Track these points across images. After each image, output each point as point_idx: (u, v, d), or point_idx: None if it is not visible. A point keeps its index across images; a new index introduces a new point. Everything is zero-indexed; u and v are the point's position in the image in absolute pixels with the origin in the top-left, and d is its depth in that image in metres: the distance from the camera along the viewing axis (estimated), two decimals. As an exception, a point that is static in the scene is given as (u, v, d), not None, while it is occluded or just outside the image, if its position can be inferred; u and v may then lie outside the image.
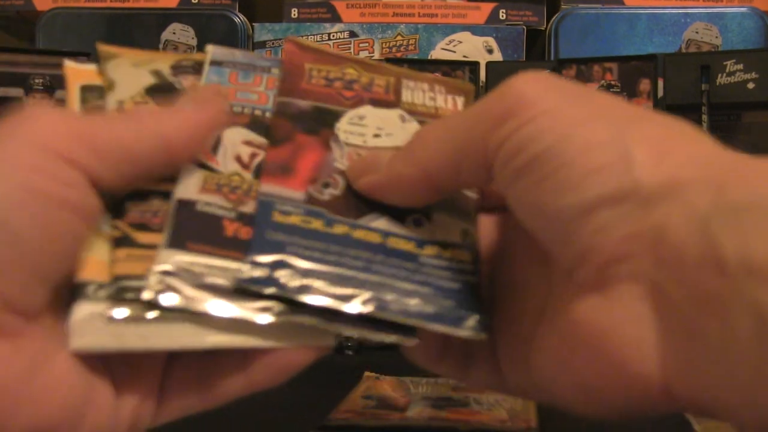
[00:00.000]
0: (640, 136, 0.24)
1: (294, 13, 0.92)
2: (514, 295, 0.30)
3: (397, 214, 0.30)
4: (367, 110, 0.32)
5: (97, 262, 0.27)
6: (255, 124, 0.31)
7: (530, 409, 0.46)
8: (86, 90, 0.32)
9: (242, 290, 0.27)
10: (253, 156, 0.31)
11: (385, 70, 0.34)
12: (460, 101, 0.34)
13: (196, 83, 0.32)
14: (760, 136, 0.75)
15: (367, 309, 0.27)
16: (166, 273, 0.27)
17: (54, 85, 0.76)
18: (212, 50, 0.33)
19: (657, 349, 0.23)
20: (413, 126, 0.32)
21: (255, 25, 0.90)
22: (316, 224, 0.29)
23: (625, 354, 0.24)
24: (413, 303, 0.28)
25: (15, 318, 0.24)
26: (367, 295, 0.28)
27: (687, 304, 0.22)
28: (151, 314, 0.26)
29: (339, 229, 0.29)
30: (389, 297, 0.28)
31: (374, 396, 0.45)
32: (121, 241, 0.28)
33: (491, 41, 0.91)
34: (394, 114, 0.33)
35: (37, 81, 0.76)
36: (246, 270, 0.27)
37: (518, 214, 0.27)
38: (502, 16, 0.92)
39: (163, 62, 0.33)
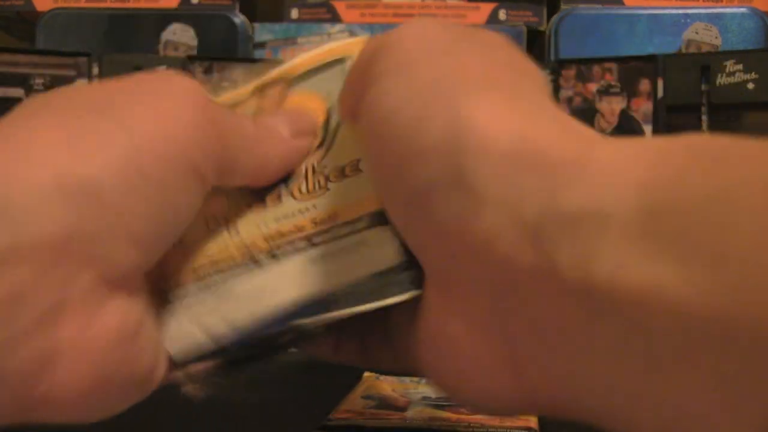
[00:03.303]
0: (477, 111, 0.21)
1: (294, 13, 0.92)
2: None
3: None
4: None
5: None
6: None
7: (530, 409, 0.46)
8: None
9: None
10: None
11: None
12: None
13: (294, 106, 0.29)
14: (760, 137, 0.75)
15: None
16: None
17: (54, 86, 0.76)
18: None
19: (502, 356, 0.21)
20: None
21: (255, 25, 0.90)
22: None
23: (470, 363, 0.22)
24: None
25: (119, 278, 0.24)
26: None
27: (526, 313, 0.20)
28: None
29: None
30: None
31: (374, 396, 0.44)
32: None
33: (491, 41, 0.90)
34: None
35: (37, 81, 0.76)
36: None
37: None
38: (502, 16, 0.92)
39: (247, 104, 0.31)
